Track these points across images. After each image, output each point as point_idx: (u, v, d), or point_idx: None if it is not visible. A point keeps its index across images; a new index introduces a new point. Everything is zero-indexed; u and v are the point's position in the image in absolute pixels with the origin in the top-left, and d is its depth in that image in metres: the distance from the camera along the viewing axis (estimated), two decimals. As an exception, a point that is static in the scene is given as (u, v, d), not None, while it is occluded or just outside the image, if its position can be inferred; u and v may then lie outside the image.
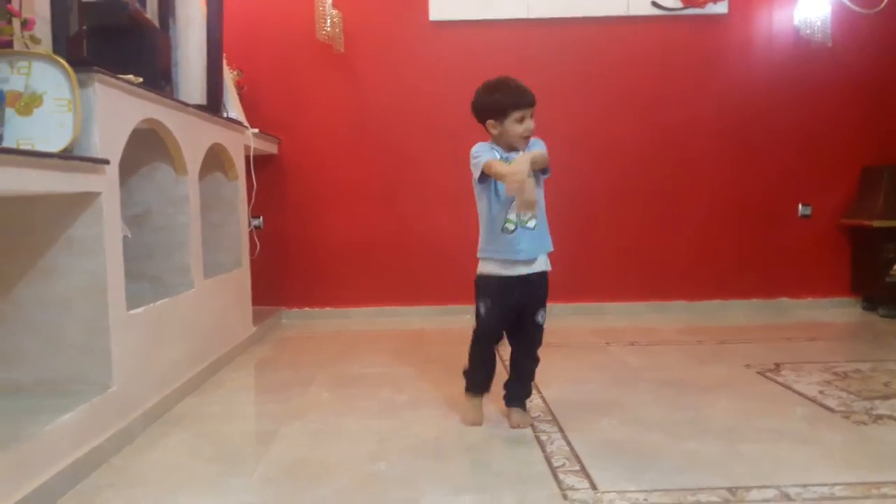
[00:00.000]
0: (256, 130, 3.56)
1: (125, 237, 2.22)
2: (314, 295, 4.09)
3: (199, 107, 2.91)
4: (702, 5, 3.99)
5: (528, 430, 2.12)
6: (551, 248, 2.19)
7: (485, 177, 2.09)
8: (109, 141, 2.08)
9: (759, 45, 4.04)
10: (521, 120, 2.10)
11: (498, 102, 2.11)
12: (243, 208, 3.44)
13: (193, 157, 2.77)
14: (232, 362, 3.07)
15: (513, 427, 2.15)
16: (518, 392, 2.24)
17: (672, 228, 4.08)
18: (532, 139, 2.16)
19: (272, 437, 2.15)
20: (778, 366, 2.80)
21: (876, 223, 3.76)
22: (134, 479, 1.84)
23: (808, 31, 3.96)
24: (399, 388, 2.62)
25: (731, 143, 4.05)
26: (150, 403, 2.26)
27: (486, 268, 2.17)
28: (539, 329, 2.19)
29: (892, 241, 3.77)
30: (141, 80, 2.26)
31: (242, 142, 3.43)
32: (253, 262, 3.58)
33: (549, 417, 2.24)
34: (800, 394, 2.43)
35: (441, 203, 4.01)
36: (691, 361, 2.97)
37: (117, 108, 2.14)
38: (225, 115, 3.28)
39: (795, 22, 4.00)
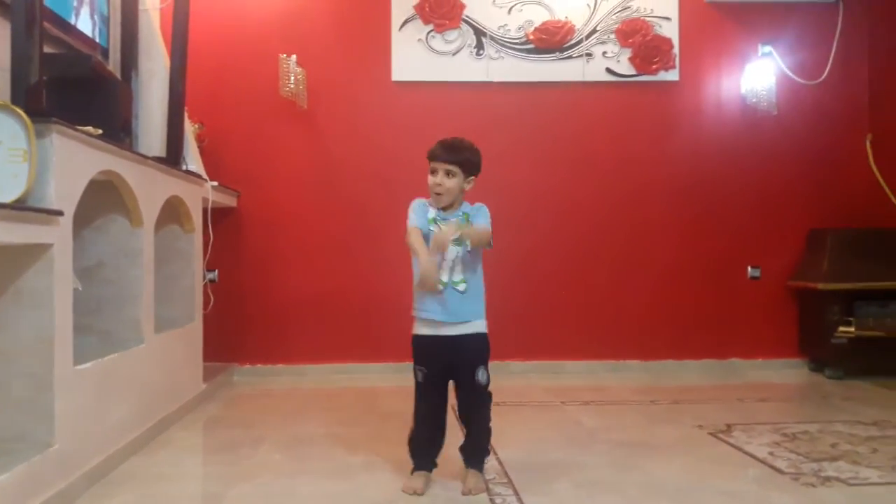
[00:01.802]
0: (216, 183, 3.55)
1: (75, 290, 2.17)
2: (268, 351, 4.02)
3: (158, 159, 2.89)
4: (654, 73, 4.15)
5: (483, 495, 2.09)
6: (482, 317, 2.16)
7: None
8: (65, 192, 2.05)
9: (709, 112, 4.21)
10: (432, 172, 2.15)
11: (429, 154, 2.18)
12: (198, 261, 3.40)
13: (150, 210, 2.74)
14: (181, 420, 2.98)
15: (464, 493, 2.08)
16: (471, 453, 2.18)
17: (626, 289, 4.15)
18: (476, 204, 2.19)
19: (220, 500, 2.09)
20: (729, 427, 2.83)
21: (821, 286, 3.88)
22: (72, 545, 1.77)
23: (754, 100, 4.15)
24: (353, 449, 2.58)
25: (683, 206, 4.17)
26: (93, 463, 2.18)
27: (417, 328, 2.17)
28: (480, 389, 2.14)
29: (838, 304, 3.89)
30: (100, 132, 2.25)
31: (201, 194, 3.41)
32: (205, 317, 3.52)
33: (505, 479, 2.22)
34: (750, 455, 2.46)
35: (400, 259, 3.99)
36: (645, 421, 2.99)
37: (74, 159, 2.12)
38: (184, 167, 3.27)
39: (742, 90, 4.19)
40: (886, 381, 3.73)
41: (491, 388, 2.17)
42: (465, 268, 2.13)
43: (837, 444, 2.58)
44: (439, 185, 2.12)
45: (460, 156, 2.14)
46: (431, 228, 2.13)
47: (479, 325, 2.15)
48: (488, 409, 2.18)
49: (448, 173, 2.13)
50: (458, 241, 2.10)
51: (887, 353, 3.90)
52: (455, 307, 2.11)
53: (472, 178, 2.18)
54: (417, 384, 2.16)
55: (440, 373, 2.14)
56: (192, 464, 2.52)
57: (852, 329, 3.86)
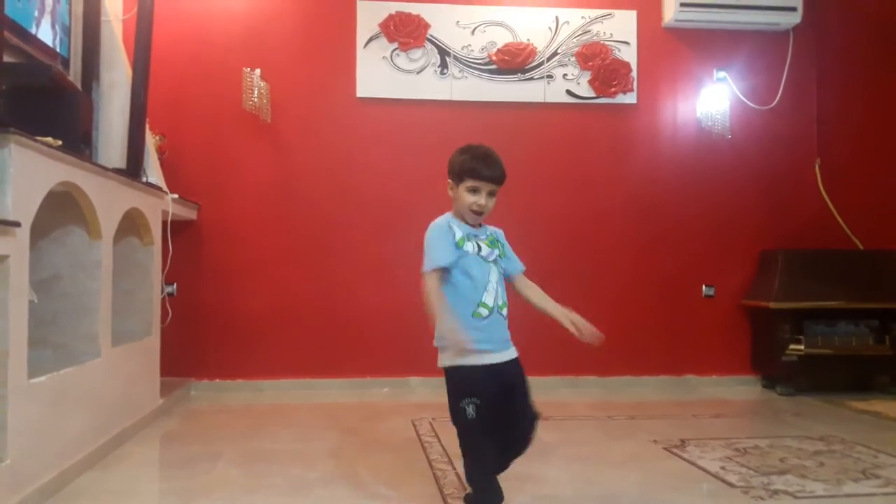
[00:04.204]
0: (176, 196, 3.52)
1: (31, 302, 2.14)
2: (226, 366, 3.97)
3: (118, 171, 2.87)
4: (612, 95, 4.25)
5: (442, 507, 2.11)
6: None
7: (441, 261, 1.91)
8: (22, 203, 2.03)
9: (665, 135, 4.32)
10: (473, 190, 1.93)
11: (459, 164, 1.96)
12: (157, 275, 3.36)
13: (109, 222, 2.71)
14: (137, 435, 2.93)
15: None
16: None
17: (584, 305, 4.12)
18: (497, 229, 2.07)
19: (177, 515, 2.07)
20: (683, 442, 2.90)
21: (773, 305, 3.99)
22: (23, 562, 1.73)
23: (709, 123, 4.27)
24: (311, 464, 2.57)
25: (640, 225, 4.26)
26: (46, 478, 2.14)
27: (462, 358, 1.88)
28: (533, 422, 1.95)
29: (788, 322, 4.00)
30: (60, 143, 2.23)
31: (160, 207, 3.38)
32: (163, 331, 3.47)
33: (463, 493, 2.23)
34: (703, 469, 2.52)
35: (361, 275, 4.03)
36: (602, 437, 3.04)
37: (33, 170, 2.10)
38: (144, 179, 3.25)
39: (698, 114, 4.31)
40: (834, 397, 3.85)
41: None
42: (504, 291, 1.99)
43: (786, 458, 2.66)
44: (484, 206, 1.94)
45: (505, 176, 1.98)
46: (466, 249, 1.93)
47: (515, 350, 2.01)
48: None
49: (491, 194, 1.96)
50: (496, 262, 1.98)
51: (835, 371, 4.03)
52: (499, 334, 1.95)
53: None
54: (468, 422, 1.86)
55: (492, 403, 1.88)
56: (148, 479, 2.49)
57: (802, 347, 3.97)
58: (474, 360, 1.88)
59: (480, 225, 2.02)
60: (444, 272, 1.91)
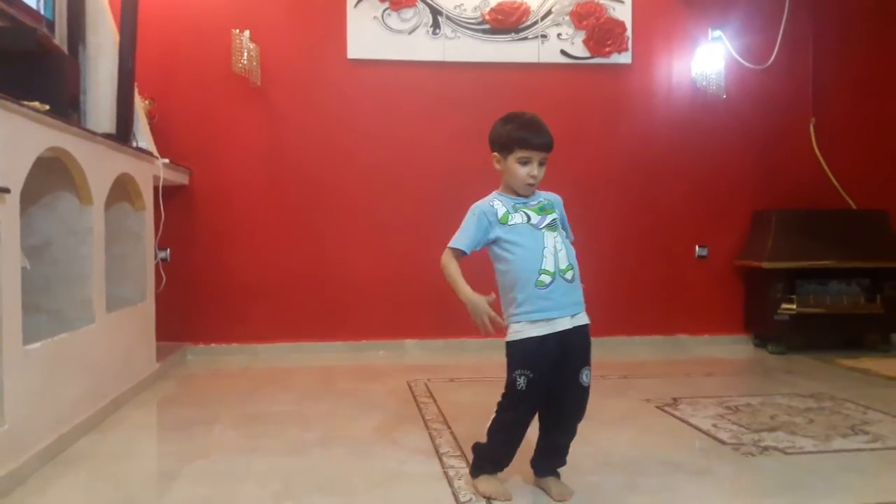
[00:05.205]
0: (167, 161, 3.50)
1: (24, 268, 2.14)
2: (221, 330, 3.99)
3: (107, 135, 2.84)
4: (607, 55, 4.20)
5: (438, 468, 2.14)
6: (584, 306, 1.94)
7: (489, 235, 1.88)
8: (11, 169, 2.01)
9: (660, 95, 4.29)
10: (524, 162, 1.89)
11: (506, 135, 1.91)
12: (149, 240, 3.35)
13: (99, 187, 2.69)
14: (134, 399, 2.96)
15: (557, 500, 1.88)
16: (554, 464, 1.97)
17: (579, 266, 4.21)
18: (552, 194, 2.01)
19: (174, 477, 2.09)
20: (676, 400, 2.93)
21: (765, 265, 4.01)
22: (24, 524, 1.76)
23: (704, 83, 4.24)
24: (308, 425, 2.60)
25: (634, 186, 4.26)
26: (45, 443, 2.16)
27: (522, 331, 1.85)
28: (585, 393, 1.91)
29: (780, 282, 4.02)
30: (47, 107, 2.20)
31: (151, 172, 3.36)
32: (158, 296, 3.48)
33: (458, 453, 2.27)
34: (695, 427, 2.56)
35: (356, 237, 4.03)
36: (595, 396, 3.01)
37: (20, 135, 2.07)
38: (134, 144, 3.22)
39: (693, 74, 4.27)
40: (824, 355, 3.89)
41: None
42: (569, 253, 1.91)
43: (777, 415, 2.70)
44: (535, 177, 1.90)
45: (553, 142, 1.92)
46: (514, 221, 1.89)
47: (586, 317, 1.93)
48: (579, 423, 1.96)
49: (542, 162, 1.91)
50: (553, 226, 1.91)
51: (826, 329, 4.08)
52: (566, 298, 1.87)
53: None
54: (516, 392, 1.84)
55: (546, 376, 1.85)
56: (145, 442, 2.52)
57: (794, 306, 4.00)
58: (536, 332, 1.84)
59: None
60: (495, 246, 1.90)
